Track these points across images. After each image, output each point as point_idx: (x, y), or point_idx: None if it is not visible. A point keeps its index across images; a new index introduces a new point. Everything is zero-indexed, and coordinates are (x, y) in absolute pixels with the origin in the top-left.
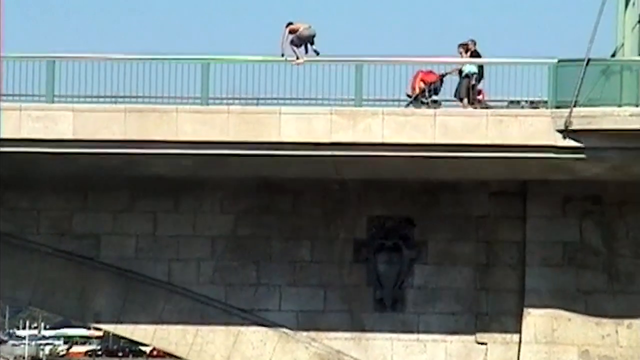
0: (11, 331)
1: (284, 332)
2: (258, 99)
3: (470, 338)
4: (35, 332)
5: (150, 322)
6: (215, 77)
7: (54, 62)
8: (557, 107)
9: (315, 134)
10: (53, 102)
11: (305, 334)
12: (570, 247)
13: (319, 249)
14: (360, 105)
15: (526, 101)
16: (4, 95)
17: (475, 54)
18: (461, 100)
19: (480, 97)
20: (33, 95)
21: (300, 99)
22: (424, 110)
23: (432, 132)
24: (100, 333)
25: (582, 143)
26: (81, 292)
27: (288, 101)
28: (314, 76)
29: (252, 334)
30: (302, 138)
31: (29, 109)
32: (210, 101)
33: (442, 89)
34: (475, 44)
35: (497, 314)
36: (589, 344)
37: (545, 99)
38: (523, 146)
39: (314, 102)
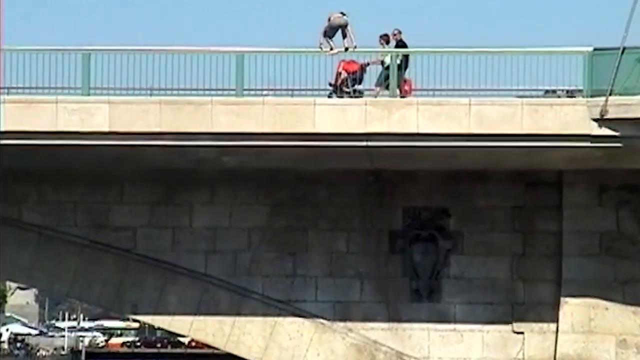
0: (50, 322)
1: (321, 323)
2: (293, 90)
3: (507, 328)
4: (74, 323)
5: (187, 313)
6: (249, 69)
7: (89, 54)
8: (593, 96)
9: (350, 124)
10: (89, 94)
11: (341, 324)
12: (607, 236)
13: (354, 240)
14: (395, 96)
15: (562, 90)
16: (38, 87)
17: (401, 44)
18: (387, 89)
19: (406, 87)
20: (69, 88)
21: None
22: (458, 99)
23: (467, 122)
24: (137, 325)
25: (618, 132)
26: (118, 284)
27: (322, 92)
28: None
29: (289, 324)
30: (336, 129)
31: (65, 102)
32: (245, 93)
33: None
34: (400, 33)
35: (534, 304)
36: (626, 333)
37: (581, 88)
38: (558, 135)
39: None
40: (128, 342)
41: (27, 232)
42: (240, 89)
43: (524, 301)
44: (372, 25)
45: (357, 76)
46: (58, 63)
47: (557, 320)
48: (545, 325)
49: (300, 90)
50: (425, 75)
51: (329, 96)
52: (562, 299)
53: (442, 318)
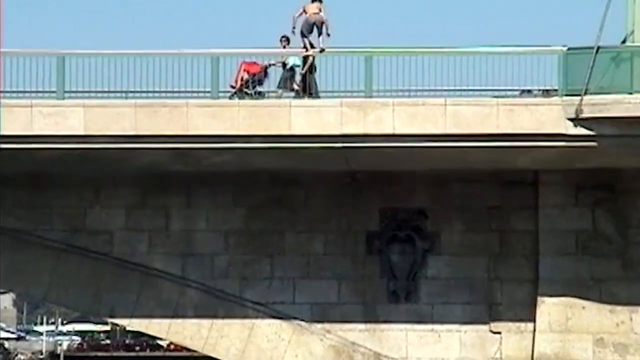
0: (27, 327)
1: (299, 325)
2: (268, 91)
3: (485, 328)
4: (52, 327)
5: (164, 316)
6: (225, 71)
7: (64, 58)
8: (568, 96)
9: (326, 126)
10: (64, 98)
11: (319, 326)
12: (584, 235)
13: (331, 241)
14: (371, 97)
15: (538, 90)
16: (12, 91)
17: (311, 46)
18: (292, 90)
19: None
20: (44, 92)
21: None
22: (435, 100)
23: (443, 122)
24: (108, 327)
25: (593, 131)
26: (95, 288)
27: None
28: (324, 68)
29: (267, 326)
30: (312, 130)
31: (40, 105)
32: (221, 95)
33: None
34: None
35: (511, 304)
36: (603, 331)
37: (557, 87)
38: (534, 135)
39: (323, 94)
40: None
41: (3, 237)
42: (215, 91)
43: (501, 301)
44: (353, 24)
45: (258, 78)
46: (32, 67)
47: (534, 320)
48: (522, 324)
49: (275, 91)
50: (401, 76)
51: (230, 98)
52: (539, 299)
53: (420, 318)
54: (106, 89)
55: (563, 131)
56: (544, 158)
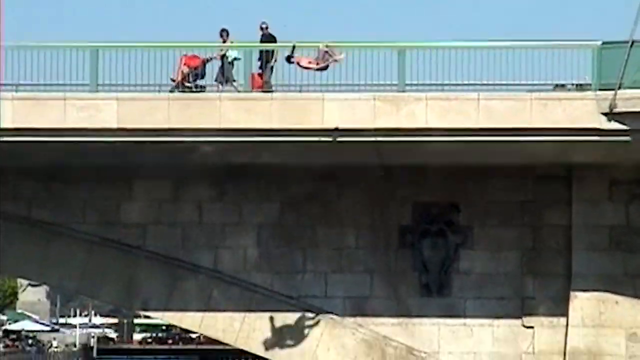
0: (59, 319)
1: (331, 318)
2: (301, 85)
3: (517, 322)
4: (86, 320)
5: (197, 309)
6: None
7: (97, 50)
8: (602, 90)
9: (359, 120)
10: (97, 91)
11: (352, 319)
12: (617, 230)
13: (364, 235)
14: (404, 91)
15: (572, 84)
16: (46, 84)
17: (268, 38)
18: (226, 82)
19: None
20: (77, 85)
21: (343, 85)
22: (468, 94)
23: (476, 116)
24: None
25: (626, 125)
26: (128, 281)
27: (331, 87)
28: (357, 62)
29: (299, 320)
30: (345, 124)
31: (73, 99)
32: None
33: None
34: (267, 28)
35: (543, 298)
36: (637, 326)
37: (590, 82)
38: (567, 129)
39: (357, 88)
40: (145, 338)
41: (36, 229)
42: (248, 84)
43: (534, 295)
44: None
45: (199, 71)
46: (66, 59)
47: (567, 315)
48: (555, 319)
49: (309, 85)
50: (434, 70)
51: (171, 91)
52: (572, 293)
53: (452, 313)
54: (139, 82)
55: (597, 126)
56: (578, 153)
